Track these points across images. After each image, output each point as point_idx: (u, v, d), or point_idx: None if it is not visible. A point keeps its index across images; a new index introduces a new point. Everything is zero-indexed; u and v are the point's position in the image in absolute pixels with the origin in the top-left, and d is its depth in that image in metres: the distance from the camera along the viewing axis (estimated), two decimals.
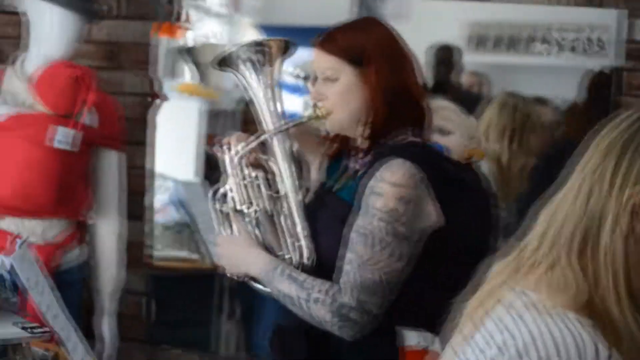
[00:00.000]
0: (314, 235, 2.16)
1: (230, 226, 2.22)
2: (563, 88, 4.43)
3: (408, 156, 2.04)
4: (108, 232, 3.05)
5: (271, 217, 2.20)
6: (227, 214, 2.22)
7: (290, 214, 2.19)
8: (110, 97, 3.07)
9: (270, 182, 2.20)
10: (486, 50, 8.64)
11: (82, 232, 3.05)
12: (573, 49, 6.66)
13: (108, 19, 3.33)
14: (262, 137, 2.20)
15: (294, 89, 8.41)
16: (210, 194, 2.23)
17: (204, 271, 4.18)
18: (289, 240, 2.18)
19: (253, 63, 2.21)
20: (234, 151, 2.20)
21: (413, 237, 2.03)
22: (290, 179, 2.21)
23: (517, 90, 3.92)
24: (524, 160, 3.61)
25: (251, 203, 2.19)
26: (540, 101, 4.28)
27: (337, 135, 2.24)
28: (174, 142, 4.20)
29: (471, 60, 4.74)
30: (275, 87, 2.23)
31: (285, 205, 2.19)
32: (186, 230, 4.32)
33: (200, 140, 4.73)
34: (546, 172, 3.55)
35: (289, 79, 8.13)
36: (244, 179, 2.19)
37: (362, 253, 2.02)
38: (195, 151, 4.67)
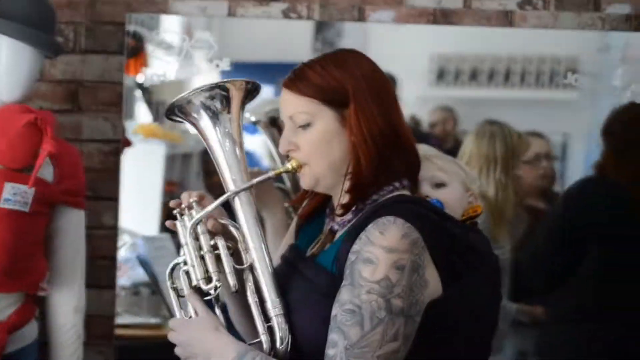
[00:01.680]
0: (288, 312, 1.87)
1: (185, 307, 1.93)
2: (528, 121, 4.31)
3: (400, 213, 1.77)
4: (65, 306, 2.76)
5: (235, 294, 1.91)
6: (181, 293, 1.92)
7: (258, 288, 1.89)
8: (71, 146, 2.79)
9: (233, 251, 1.91)
10: (449, 83, 8.50)
11: (34, 306, 2.77)
12: (538, 81, 6.48)
13: (65, 54, 2.90)
14: (222, 199, 1.89)
15: (245, 128, 8.12)
16: (167, 270, 1.93)
17: (165, 339, 3.79)
18: (257, 321, 1.88)
19: (209, 110, 1.93)
20: (188, 217, 1.90)
21: (410, 312, 1.75)
22: (257, 246, 1.91)
23: None
24: (513, 194, 3.44)
25: (209, 278, 1.88)
26: (536, 134, 4.18)
27: (308, 191, 1.98)
28: (136, 193, 3.78)
29: (434, 94, 4.66)
30: (236, 136, 1.95)
31: (251, 278, 1.90)
32: (145, 291, 3.92)
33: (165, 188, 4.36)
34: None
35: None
36: (200, 249, 1.89)
37: (350, 333, 1.73)
38: (160, 201, 4.28)
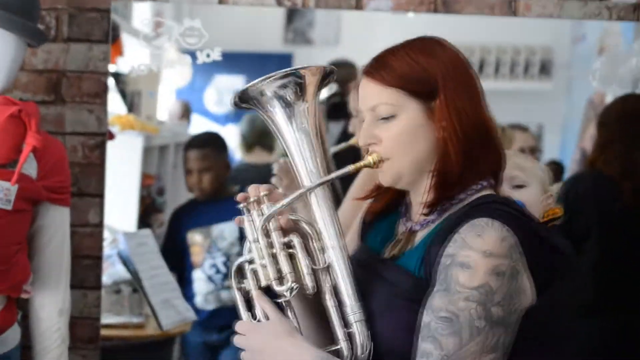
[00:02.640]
0: (370, 318, 1.75)
1: (252, 309, 1.80)
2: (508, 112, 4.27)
3: (497, 215, 1.67)
4: (49, 309, 2.63)
5: (312, 296, 1.78)
6: (248, 294, 1.80)
7: (337, 291, 1.77)
8: (55, 140, 2.64)
9: (309, 249, 1.78)
10: None
11: (17, 309, 2.64)
12: (512, 72, 6.45)
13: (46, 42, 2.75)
14: (297, 194, 1.77)
15: (216, 118, 8.00)
16: (232, 269, 1.80)
17: (150, 339, 3.69)
18: (337, 326, 1.76)
19: (282, 100, 1.81)
20: (256, 212, 1.78)
21: (509, 320, 1.65)
22: (336, 245, 1.78)
23: None
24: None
25: (283, 279, 1.75)
26: (519, 127, 4.14)
27: (380, 187, 1.86)
28: (114, 187, 3.65)
29: None
30: (312, 127, 1.82)
31: (329, 279, 1.77)
32: (126, 289, 3.80)
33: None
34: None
35: (212, 108, 7.77)
36: (271, 246, 1.77)
37: (447, 343, 1.63)
38: (138, 195, 4.16)
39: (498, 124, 3.79)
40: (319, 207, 1.80)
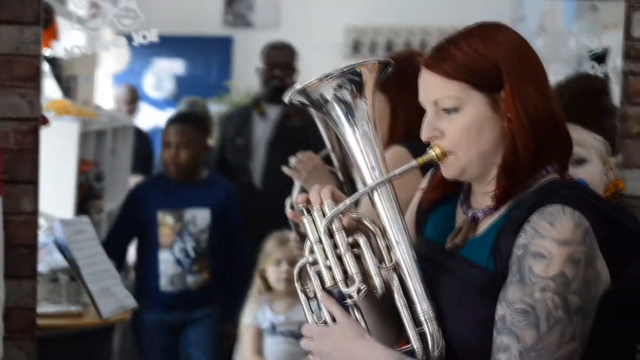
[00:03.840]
0: (440, 315, 1.72)
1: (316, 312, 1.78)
2: None
3: (568, 201, 1.64)
4: None
5: (381, 296, 1.75)
6: (312, 296, 1.76)
7: (406, 289, 1.73)
8: None
9: (375, 249, 1.75)
10: (363, 55, 8.45)
11: None
12: None
13: None
14: (361, 192, 1.75)
15: (155, 103, 7.88)
16: (295, 271, 1.77)
17: (88, 327, 3.61)
18: (409, 326, 1.72)
19: (340, 101, 1.75)
20: (318, 213, 1.73)
21: (587, 308, 1.63)
22: (403, 243, 1.74)
23: None
24: None
25: (348, 280, 1.72)
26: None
27: (442, 179, 1.81)
28: (50, 173, 3.55)
29: None
30: (371, 124, 1.78)
31: (396, 278, 1.74)
32: (64, 278, 3.71)
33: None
34: None
35: (151, 92, 7.66)
36: (335, 247, 1.73)
37: (525, 336, 1.60)
38: (75, 182, 4.06)
39: None
40: (382, 205, 1.76)
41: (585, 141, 2.13)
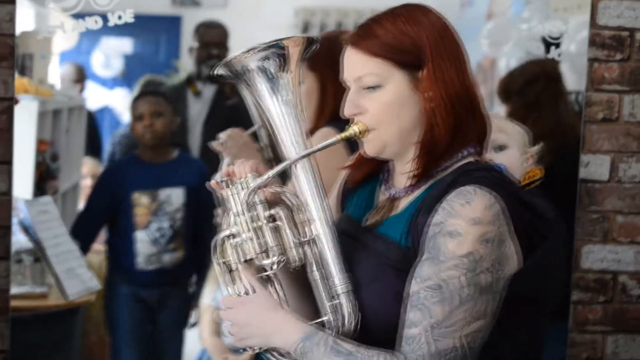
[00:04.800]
0: (356, 289, 1.75)
1: (235, 283, 1.79)
2: None
3: (483, 182, 1.68)
4: None
5: (297, 269, 1.78)
6: (232, 268, 1.78)
7: (324, 262, 1.76)
8: None
9: (295, 222, 1.77)
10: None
11: None
12: None
13: None
14: (283, 165, 1.76)
15: (104, 82, 7.80)
16: (214, 243, 1.78)
17: (53, 309, 3.60)
18: (323, 298, 1.75)
19: (264, 72, 1.79)
20: (241, 185, 1.76)
21: (497, 287, 1.66)
22: (323, 217, 1.77)
23: None
24: None
25: (267, 252, 1.75)
26: None
27: (364, 156, 1.84)
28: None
29: None
30: (295, 98, 1.81)
31: (315, 251, 1.76)
32: (28, 259, 3.69)
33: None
34: None
35: (99, 71, 7.57)
36: (255, 219, 1.75)
37: (435, 311, 1.64)
38: (33, 161, 4.02)
39: None
40: (305, 179, 1.79)
41: (507, 128, 2.20)
